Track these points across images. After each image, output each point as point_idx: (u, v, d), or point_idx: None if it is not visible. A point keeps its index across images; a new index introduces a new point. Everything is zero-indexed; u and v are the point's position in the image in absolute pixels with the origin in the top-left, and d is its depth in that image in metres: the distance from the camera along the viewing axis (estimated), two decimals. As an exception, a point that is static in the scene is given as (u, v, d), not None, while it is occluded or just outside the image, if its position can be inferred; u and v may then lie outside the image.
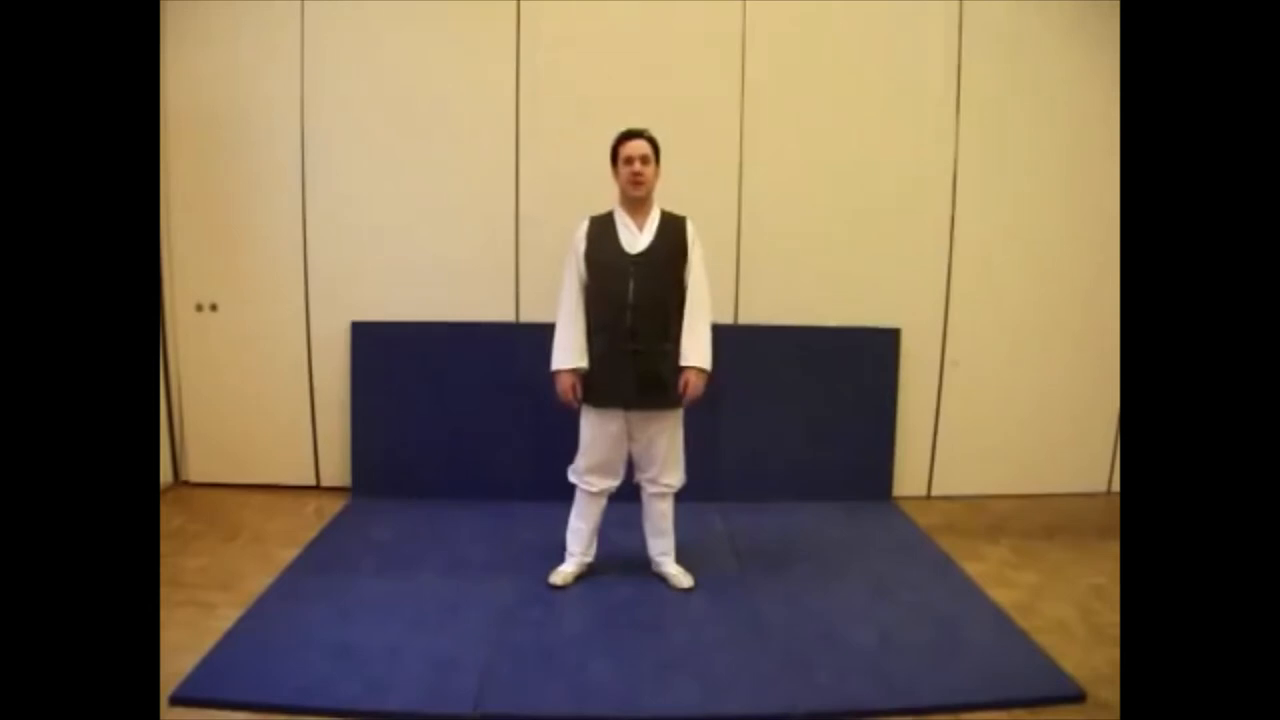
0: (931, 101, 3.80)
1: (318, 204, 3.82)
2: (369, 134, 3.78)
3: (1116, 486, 4.11)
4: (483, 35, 3.72)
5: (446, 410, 3.80)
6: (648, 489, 2.92)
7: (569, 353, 2.77)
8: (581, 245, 2.79)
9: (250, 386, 3.94)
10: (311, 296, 3.88)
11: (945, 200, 3.86)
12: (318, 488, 4.00)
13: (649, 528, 2.98)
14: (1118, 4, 3.30)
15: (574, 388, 2.79)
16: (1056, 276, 3.94)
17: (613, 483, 2.92)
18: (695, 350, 2.75)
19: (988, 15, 3.75)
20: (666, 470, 2.88)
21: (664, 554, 2.98)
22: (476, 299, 3.84)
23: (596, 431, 2.84)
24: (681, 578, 2.95)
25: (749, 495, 3.78)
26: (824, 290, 3.87)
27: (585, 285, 2.80)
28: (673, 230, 2.79)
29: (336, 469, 3.98)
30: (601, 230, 2.79)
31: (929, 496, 4.05)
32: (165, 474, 3.97)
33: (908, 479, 4.01)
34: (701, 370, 2.76)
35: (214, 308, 3.90)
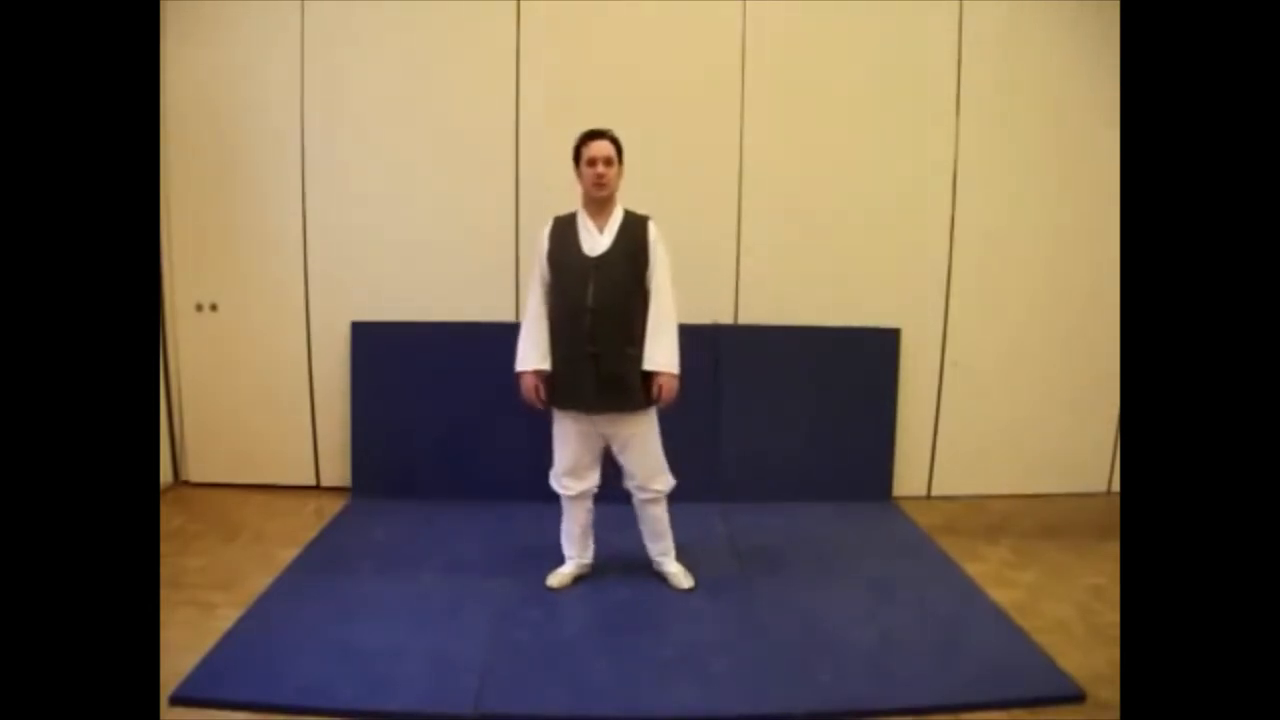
0: (931, 101, 3.80)
1: (318, 204, 3.82)
2: (369, 133, 3.78)
3: (1116, 486, 4.10)
4: (483, 34, 3.72)
5: (446, 410, 3.80)
6: (637, 495, 2.89)
7: (531, 354, 2.76)
8: (544, 246, 2.77)
9: (250, 386, 3.94)
10: (311, 296, 3.88)
11: (945, 200, 3.86)
12: (318, 488, 4.00)
13: (645, 532, 2.96)
14: (1118, 3, 3.29)
15: (537, 389, 2.77)
16: (1056, 276, 3.93)
17: (588, 485, 2.88)
18: (661, 354, 2.70)
19: (988, 15, 3.75)
20: (652, 475, 2.84)
21: (664, 554, 2.98)
22: (476, 299, 3.83)
23: (563, 433, 2.84)
24: (681, 577, 2.94)
25: (749, 495, 3.78)
26: (824, 290, 3.86)
27: (548, 286, 2.78)
28: (633, 231, 2.73)
29: (336, 469, 3.98)
30: (564, 231, 2.76)
31: (929, 496, 4.05)
32: (165, 474, 3.97)
33: (908, 479, 4.01)
34: (671, 375, 2.72)
35: (214, 308, 3.90)
